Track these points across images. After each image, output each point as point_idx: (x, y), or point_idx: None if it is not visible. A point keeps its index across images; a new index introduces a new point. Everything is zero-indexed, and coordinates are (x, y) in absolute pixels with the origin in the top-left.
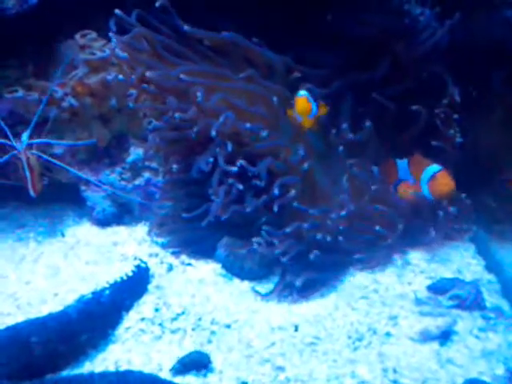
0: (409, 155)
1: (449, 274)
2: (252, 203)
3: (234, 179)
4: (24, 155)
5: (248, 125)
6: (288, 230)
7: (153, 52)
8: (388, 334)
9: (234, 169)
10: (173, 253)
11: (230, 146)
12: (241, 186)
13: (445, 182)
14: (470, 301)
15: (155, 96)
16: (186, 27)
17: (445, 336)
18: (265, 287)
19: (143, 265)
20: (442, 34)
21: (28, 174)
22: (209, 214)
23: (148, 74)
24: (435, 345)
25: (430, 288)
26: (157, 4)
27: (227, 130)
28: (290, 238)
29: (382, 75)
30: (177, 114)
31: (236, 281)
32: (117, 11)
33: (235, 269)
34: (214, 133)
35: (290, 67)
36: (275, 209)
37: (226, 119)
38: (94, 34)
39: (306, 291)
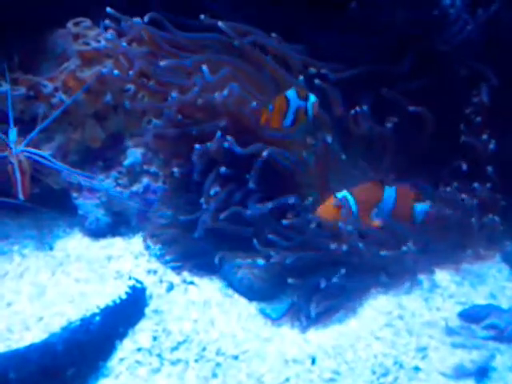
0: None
1: (481, 300)
2: (254, 210)
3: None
4: (16, 158)
5: (254, 103)
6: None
7: (153, 46)
8: (416, 369)
9: (223, 169)
10: (173, 268)
11: (223, 122)
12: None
13: (322, 208)
14: (509, 332)
15: (154, 92)
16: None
17: (481, 372)
18: (276, 309)
19: (139, 285)
20: (474, 26)
21: (19, 176)
22: (198, 225)
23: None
24: (471, 382)
25: (461, 315)
26: (145, 19)
27: (231, 101)
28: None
29: (407, 72)
30: (174, 94)
31: (244, 301)
32: (108, 9)
33: (243, 288)
34: (216, 98)
35: (306, 62)
36: (269, 205)
37: (230, 91)
38: (88, 22)
39: (322, 316)
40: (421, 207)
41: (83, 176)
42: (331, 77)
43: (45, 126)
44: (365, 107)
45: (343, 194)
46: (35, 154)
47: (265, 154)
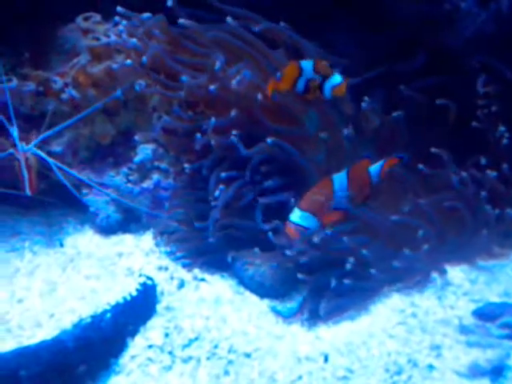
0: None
1: (495, 298)
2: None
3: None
4: (23, 156)
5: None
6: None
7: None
8: (430, 367)
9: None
10: (184, 265)
11: (234, 112)
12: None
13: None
14: None
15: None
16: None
17: (497, 371)
18: (287, 307)
19: (150, 282)
20: (485, 19)
21: (26, 173)
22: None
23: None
24: (486, 381)
25: (475, 313)
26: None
27: (243, 87)
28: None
29: (419, 66)
30: (184, 77)
31: (255, 299)
32: (119, 9)
33: (254, 285)
34: (234, 83)
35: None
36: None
37: (242, 78)
38: (98, 17)
39: (334, 313)
40: (374, 168)
41: (90, 182)
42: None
43: (52, 124)
44: (373, 102)
45: (297, 213)
46: (42, 156)
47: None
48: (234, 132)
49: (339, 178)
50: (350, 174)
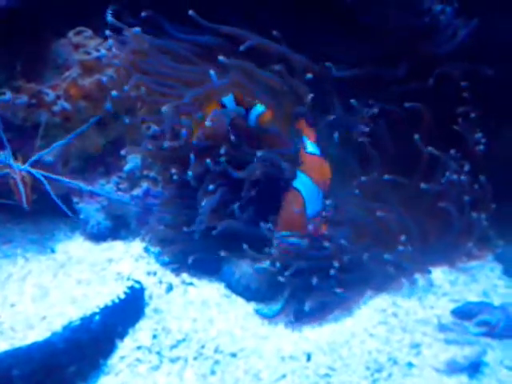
0: None
1: (474, 297)
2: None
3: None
4: (19, 174)
5: None
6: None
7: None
8: (410, 365)
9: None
10: (172, 270)
11: (223, 150)
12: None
13: None
14: (500, 328)
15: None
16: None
17: (474, 367)
18: (273, 309)
19: (137, 285)
20: (465, 32)
21: (22, 188)
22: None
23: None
24: (463, 377)
25: (454, 312)
26: (142, 14)
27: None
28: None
29: (401, 76)
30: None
31: (241, 301)
32: (109, 18)
33: (241, 288)
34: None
35: (306, 66)
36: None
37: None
38: (89, 32)
39: (317, 314)
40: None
41: (85, 188)
42: (334, 73)
43: (45, 136)
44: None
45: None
46: (37, 176)
47: (258, 172)
48: (222, 159)
49: (301, 179)
50: (307, 169)
